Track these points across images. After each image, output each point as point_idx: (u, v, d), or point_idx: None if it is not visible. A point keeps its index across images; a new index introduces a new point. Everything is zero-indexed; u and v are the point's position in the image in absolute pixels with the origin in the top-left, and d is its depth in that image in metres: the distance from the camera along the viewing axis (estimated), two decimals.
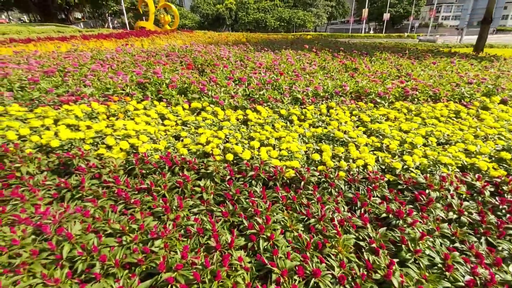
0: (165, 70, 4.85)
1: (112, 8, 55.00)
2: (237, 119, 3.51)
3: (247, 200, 2.13)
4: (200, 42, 10.95)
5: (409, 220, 1.99)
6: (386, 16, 60.28)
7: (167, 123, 3.30)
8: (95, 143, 2.82)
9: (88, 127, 3.09)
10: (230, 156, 2.51)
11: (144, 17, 60.53)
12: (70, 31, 16.96)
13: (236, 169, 2.45)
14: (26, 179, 2.35)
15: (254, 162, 2.46)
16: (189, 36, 14.36)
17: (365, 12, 47.01)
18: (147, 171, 2.47)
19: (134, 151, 2.67)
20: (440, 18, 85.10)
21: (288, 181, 2.38)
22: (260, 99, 4.02)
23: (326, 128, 3.32)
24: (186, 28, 63.51)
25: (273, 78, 4.59)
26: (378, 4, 69.43)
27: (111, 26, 66.89)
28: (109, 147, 2.76)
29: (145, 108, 3.61)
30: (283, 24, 63.10)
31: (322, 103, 4.04)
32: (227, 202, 2.13)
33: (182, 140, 2.89)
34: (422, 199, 2.20)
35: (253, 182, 2.34)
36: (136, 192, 2.24)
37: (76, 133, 2.79)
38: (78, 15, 62.87)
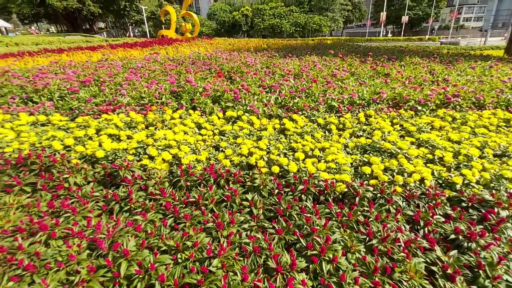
0: (196, 78, 4.86)
1: (133, 18, 57.27)
2: (274, 128, 3.43)
3: (299, 216, 2.03)
4: (221, 49, 11.05)
5: (482, 242, 1.81)
6: (405, 19, 58.94)
7: (203, 133, 3.27)
8: (137, 153, 2.82)
9: (129, 137, 3.10)
10: (276, 169, 2.42)
11: (163, 26, 62.45)
12: (97, 41, 17.66)
13: (283, 182, 2.36)
14: (74, 190, 2.36)
15: (302, 175, 2.36)
16: (209, 43, 14.56)
17: (383, 15, 46.17)
18: (192, 183, 2.42)
19: (177, 162, 2.63)
20: (462, 20, 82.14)
21: (340, 195, 2.25)
22: (295, 107, 3.93)
23: (368, 138, 3.17)
24: (203, 35, 64.82)
25: (305, 86, 4.48)
26: (396, 7, 67.92)
27: (131, 35, 69.54)
28: (151, 158, 2.74)
29: (181, 117, 3.60)
30: (298, 29, 63.05)
31: (359, 111, 3.89)
32: (279, 218, 2.03)
33: (223, 151, 2.83)
34: (492, 219, 2.00)
35: (302, 196, 2.24)
36: (184, 205, 2.19)
37: (119, 143, 2.80)
38: (101, 25, 65.87)
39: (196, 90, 4.14)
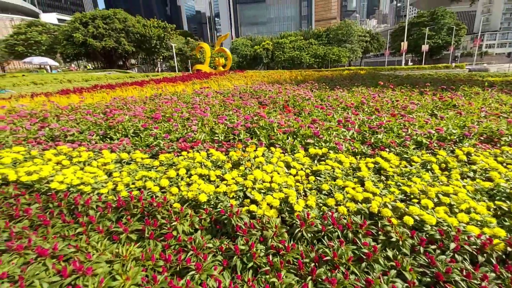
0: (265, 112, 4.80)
1: (162, 54, 61.60)
2: (368, 168, 3.16)
3: (465, 282, 1.68)
4: (259, 81, 11.27)
5: None
6: (425, 47, 59.16)
7: (293, 172, 3.06)
8: (237, 197, 2.63)
9: (221, 178, 2.95)
10: (409, 220, 2.11)
11: (189, 60, 66.47)
12: (139, 76, 18.80)
13: (425, 237, 2.03)
14: (184, 240, 2.17)
15: (447, 229, 2.03)
16: (243, 76, 15.02)
17: (404, 45, 46.44)
18: (313, 235, 2.15)
19: (288, 209, 2.40)
20: (484, 47, 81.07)
21: (503, 255, 1.89)
22: (379, 143, 3.67)
23: (485, 180, 2.81)
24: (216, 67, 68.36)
25: (380, 120, 4.26)
26: (414, 36, 68.61)
27: (159, 70, 74.53)
28: (253, 202, 2.54)
29: (263, 155, 3.44)
30: (318, 60, 64.87)
31: (452, 148, 3.57)
32: (440, 284, 1.69)
33: (331, 195, 2.58)
34: None
35: (456, 256, 1.89)
36: (314, 263, 1.91)
37: (220, 186, 2.63)
38: (132, 61, 71.22)
39: (272, 126, 4.03)
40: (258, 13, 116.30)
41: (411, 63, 63.85)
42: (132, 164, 3.37)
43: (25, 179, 2.92)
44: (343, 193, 2.58)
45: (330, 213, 2.27)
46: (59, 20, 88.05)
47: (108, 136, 4.22)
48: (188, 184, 2.84)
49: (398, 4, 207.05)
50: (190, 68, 67.95)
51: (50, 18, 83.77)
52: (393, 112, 4.64)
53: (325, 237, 2.13)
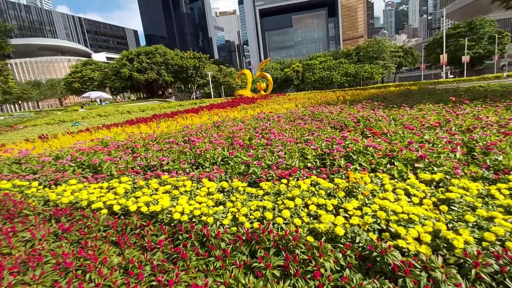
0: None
1: (198, 82, 65.42)
2: (502, 194, 2.80)
3: None
4: (307, 103, 11.21)
5: None
6: (466, 58, 55.95)
7: (415, 201, 2.81)
8: (373, 230, 2.43)
9: (337, 207, 2.80)
10: None
11: (222, 87, 69.63)
12: (187, 104, 19.88)
13: None
14: (337, 279, 2.01)
15: None
16: (287, 98, 15.16)
17: (443, 57, 44.42)
18: (491, 277, 1.87)
19: (445, 245, 2.15)
20: None
21: None
22: (501, 166, 3.29)
23: None
24: (256, 91, 70.49)
25: (492, 139, 3.87)
26: (451, 48, 65.30)
27: (194, 97, 78.92)
28: (394, 236, 2.32)
29: (371, 181, 3.24)
30: (349, 78, 64.15)
31: None
32: None
33: (483, 228, 2.28)
34: None
35: None
36: None
37: (353, 218, 2.47)
38: (169, 90, 76.34)
39: (368, 150, 3.84)
40: (285, 37, 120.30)
41: (452, 76, 60.34)
42: (235, 193, 3.35)
43: (146, 209, 3.03)
44: (496, 225, 2.27)
45: (503, 251, 1.97)
46: (107, 58, 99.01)
47: (198, 164, 4.33)
48: (310, 215, 2.73)
49: (429, 18, 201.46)
50: (223, 94, 71.10)
51: (100, 57, 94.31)
52: (503, 130, 4.20)
53: (506, 279, 1.83)
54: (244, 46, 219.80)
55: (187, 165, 4.29)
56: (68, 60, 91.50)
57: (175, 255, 2.43)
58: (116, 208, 3.09)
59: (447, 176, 3.22)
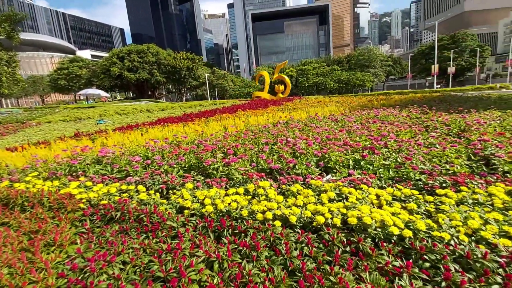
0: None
1: (190, 84, 64.24)
2: None
3: None
4: (347, 108, 10.98)
5: None
6: (451, 69, 58.79)
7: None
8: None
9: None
10: None
11: (216, 89, 68.86)
12: (207, 104, 18.94)
13: None
14: None
15: None
16: (312, 102, 14.90)
17: (435, 68, 46.20)
18: None
19: None
20: (510, 67, 79.81)
21: None
22: None
23: None
24: (250, 94, 70.18)
25: None
26: (434, 60, 68.48)
27: (185, 99, 77.48)
28: None
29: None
30: (341, 85, 65.44)
31: None
32: None
33: None
34: None
35: None
36: None
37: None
38: (160, 90, 74.39)
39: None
40: (277, 43, 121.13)
41: (438, 86, 62.92)
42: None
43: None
44: None
45: None
46: (92, 56, 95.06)
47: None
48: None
49: (411, 30, 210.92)
50: (216, 96, 70.19)
51: (85, 54, 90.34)
52: None
53: None
54: (233, 50, 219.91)
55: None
56: (50, 56, 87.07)
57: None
58: (337, 221, 2.54)
59: None
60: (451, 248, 2.13)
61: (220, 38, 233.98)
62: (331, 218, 2.57)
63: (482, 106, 9.10)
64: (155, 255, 2.36)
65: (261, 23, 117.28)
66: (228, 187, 3.54)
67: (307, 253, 2.28)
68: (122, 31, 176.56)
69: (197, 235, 2.61)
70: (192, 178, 3.72)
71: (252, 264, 2.21)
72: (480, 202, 2.73)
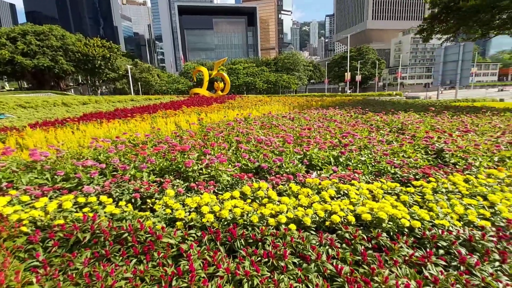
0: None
1: (107, 76, 56.68)
2: None
3: None
4: (293, 108, 11.51)
5: None
6: (358, 77, 69.11)
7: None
8: None
9: None
10: None
11: (139, 83, 62.82)
12: (141, 99, 16.66)
13: None
14: None
15: None
16: (255, 100, 15.06)
17: (347, 75, 53.27)
18: None
19: None
20: (399, 78, 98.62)
21: None
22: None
23: None
24: (178, 91, 66.56)
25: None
26: (345, 68, 79.58)
27: (99, 92, 68.11)
28: None
29: None
30: (270, 86, 68.89)
31: None
32: None
33: None
34: None
35: None
36: None
37: None
38: (66, 81, 63.22)
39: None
40: (206, 39, 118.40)
41: (350, 91, 72.92)
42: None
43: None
44: None
45: None
46: None
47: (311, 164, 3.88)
48: None
49: (326, 40, 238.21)
50: (140, 91, 63.92)
51: None
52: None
53: None
54: (157, 42, 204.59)
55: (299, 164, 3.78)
56: None
57: None
58: (352, 219, 2.46)
59: None
60: (454, 233, 2.37)
61: (141, 28, 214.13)
62: (345, 217, 2.55)
63: (399, 108, 10.86)
64: (163, 283, 1.87)
65: (189, 17, 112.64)
66: (216, 191, 3.16)
67: (334, 255, 2.18)
68: (12, 7, 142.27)
69: (205, 251, 2.20)
70: (171, 183, 3.18)
71: (283, 275, 1.98)
72: (450, 190, 3.17)
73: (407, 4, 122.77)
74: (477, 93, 42.11)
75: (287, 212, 2.61)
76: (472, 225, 2.54)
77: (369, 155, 4.09)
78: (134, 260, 2.10)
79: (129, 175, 3.22)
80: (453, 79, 26.73)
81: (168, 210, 2.62)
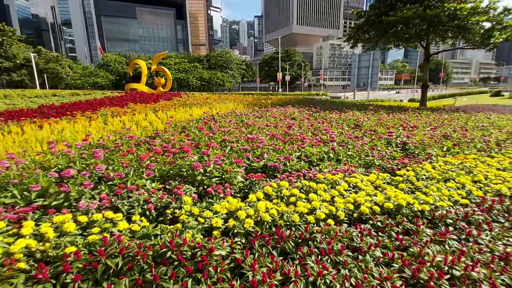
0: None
1: (1, 65, 45.86)
2: None
3: None
4: (232, 106, 11.54)
5: None
6: (288, 78, 74.07)
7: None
8: None
9: None
10: None
11: (45, 75, 52.89)
12: (66, 94, 13.63)
13: None
14: None
15: None
16: (202, 99, 14.53)
17: (279, 75, 56.35)
18: None
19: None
20: (321, 80, 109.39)
21: None
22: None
23: None
24: (98, 85, 58.52)
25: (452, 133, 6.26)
26: (275, 68, 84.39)
27: None
28: None
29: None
30: (204, 83, 67.32)
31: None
32: None
33: None
34: None
35: None
36: None
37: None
38: None
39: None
40: (128, 29, 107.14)
41: (280, 90, 77.39)
42: None
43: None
44: None
45: None
46: None
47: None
48: None
49: (255, 41, 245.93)
50: (46, 85, 53.58)
51: None
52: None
53: None
54: (64, 28, 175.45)
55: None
56: None
57: None
58: (377, 209, 2.57)
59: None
60: (453, 212, 2.85)
61: (41, 9, 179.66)
62: (370, 207, 2.76)
63: (342, 107, 12.10)
64: None
65: (106, 2, 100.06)
66: (233, 194, 2.98)
67: (376, 243, 2.35)
68: None
69: (260, 258, 2.08)
70: (182, 190, 2.84)
71: (346, 270, 2.03)
72: (427, 177, 3.77)
73: (327, 13, 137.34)
74: (382, 95, 50.64)
75: (319, 208, 2.67)
76: (458, 204, 3.10)
77: (354, 150, 4.49)
78: (190, 281, 1.83)
79: (131, 184, 2.74)
80: (365, 82, 31.51)
81: (201, 219, 2.35)
